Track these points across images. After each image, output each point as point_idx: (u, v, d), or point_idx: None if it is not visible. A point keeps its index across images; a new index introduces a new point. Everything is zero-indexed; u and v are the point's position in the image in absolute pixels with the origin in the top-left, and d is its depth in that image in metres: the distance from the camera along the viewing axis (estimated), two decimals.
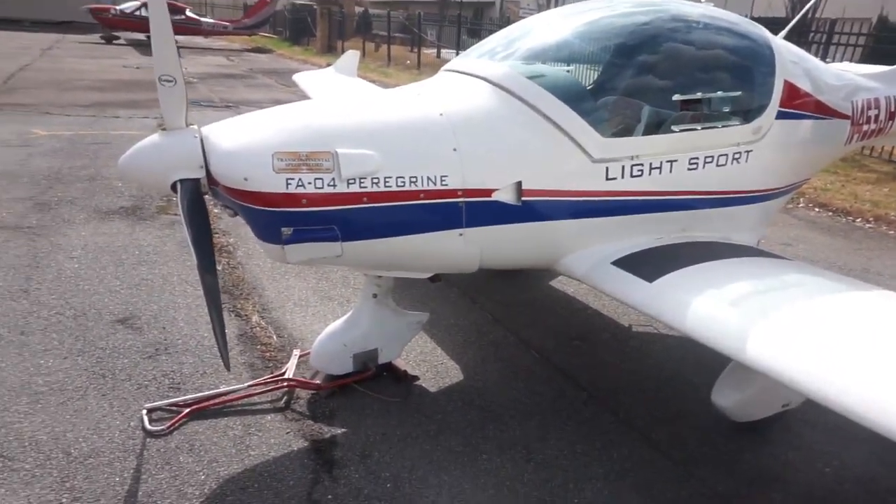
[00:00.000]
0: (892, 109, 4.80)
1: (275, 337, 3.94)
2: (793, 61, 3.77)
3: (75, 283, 4.47)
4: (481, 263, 3.07)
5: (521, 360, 3.92)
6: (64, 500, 2.56)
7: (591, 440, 3.19)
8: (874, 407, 2.00)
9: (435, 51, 24.16)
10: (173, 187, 2.65)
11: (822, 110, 3.97)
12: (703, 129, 3.28)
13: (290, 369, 3.45)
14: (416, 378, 3.58)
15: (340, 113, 2.88)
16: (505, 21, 22.96)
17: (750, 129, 3.44)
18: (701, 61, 3.48)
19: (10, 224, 5.48)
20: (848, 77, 4.60)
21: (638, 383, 3.76)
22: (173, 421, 3.04)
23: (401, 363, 3.62)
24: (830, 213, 7.73)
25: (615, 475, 2.96)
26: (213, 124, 2.76)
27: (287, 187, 2.56)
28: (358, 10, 31.26)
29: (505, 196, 2.89)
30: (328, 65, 18.73)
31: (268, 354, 3.73)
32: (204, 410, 3.15)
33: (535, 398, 3.52)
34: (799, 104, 3.73)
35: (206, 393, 3.27)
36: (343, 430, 3.13)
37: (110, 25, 26.61)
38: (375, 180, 2.66)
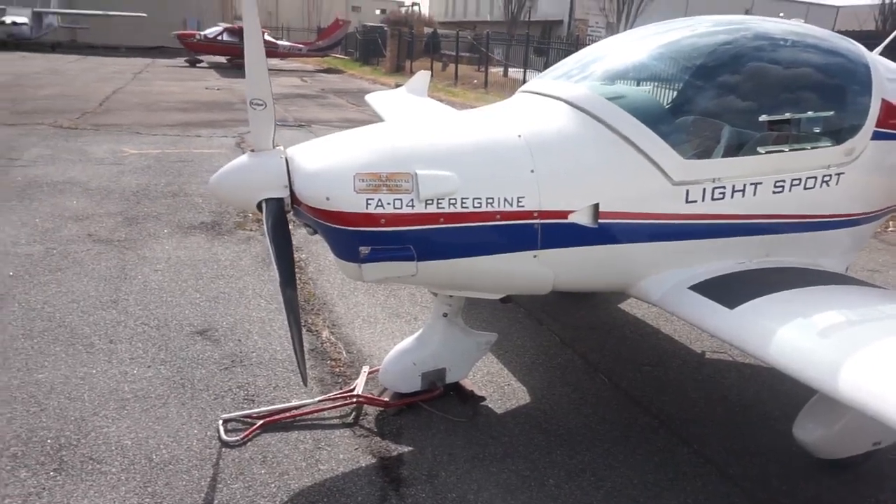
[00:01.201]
0: None
1: (344, 353, 4.01)
2: (890, 78, 3.57)
3: (159, 294, 4.70)
4: (554, 286, 3.03)
5: (589, 384, 3.84)
6: None
7: (663, 470, 3.07)
8: None
9: (502, 69, 24.31)
10: (259, 206, 2.76)
11: None
12: (790, 150, 3.15)
13: (359, 386, 3.49)
14: (482, 399, 3.56)
15: (419, 134, 2.93)
16: (573, 40, 22.81)
17: (842, 150, 3.27)
18: (788, 80, 3.34)
19: (103, 237, 5.83)
20: None
21: (711, 413, 3.61)
22: (247, 433, 3.13)
23: (468, 383, 3.61)
24: None
25: (676, 496, 2.84)
26: (298, 146, 2.86)
27: (367, 207, 2.61)
28: (427, 30, 31.88)
29: (581, 218, 2.86)
30: (397, 84, 19.05)
31: (337, 369, 3.80)
32: (276, 423, 3.23)
33: (604, 425, 3.43)
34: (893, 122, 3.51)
35: (278, 406, 3.35)
36: (410, 448, 3.13)
37: (195, 49, 28.35)
38: (453, 201, 2.68)
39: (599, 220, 2.88)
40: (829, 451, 2.97)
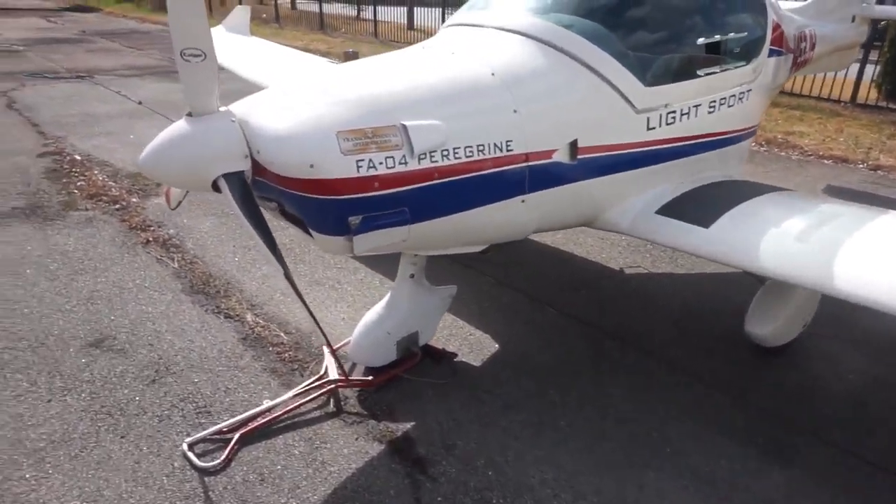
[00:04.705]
0: (814, 41, 5.19)
1: (283, 335, 3.55)
2: (773, 1, 3.91)
3: (9, 308, 3.71)
4: (537, 228, 2.94)
5: (541, 318, 3.86)
6: None
7: (644, 392, 3.20)
8: None
9: (289, 1, 22.70)
10: (213, 184, 2.24)
11: (784, 45, 4.18)
12: (721, 72, 3.32)
13: (330, 370, 3.11)
14: (454, 355, 3.42)
15: (391, 79, 2.55)
16: None
17: (751, 69, 3.54)
18: (714, 7, 3.47)
19: None
20: (788, 12, 4.87)
21: (655, 323, 3.84)
22: (227, 452, 2.65)
23: (435, 342, 3.43)
24: None
25: (666, 407, 3.02)
26: (243, 104, 2.36)
27: (359, 171, 2.24)
28: None
29: (563, 156, 2.77)
30: None
31: (286, 355, 3.36)
32: (253, 433, 2.78)
33: (574, 354, 3.49)
34: (777, 41, 3.89)
35: (250, 413, 2.88)
36: (411, 423, 2.91)
37: None
38: (445, 153, 2.41)
39: (578, 157, 2.81)
40: (776, 340, 3.35)
